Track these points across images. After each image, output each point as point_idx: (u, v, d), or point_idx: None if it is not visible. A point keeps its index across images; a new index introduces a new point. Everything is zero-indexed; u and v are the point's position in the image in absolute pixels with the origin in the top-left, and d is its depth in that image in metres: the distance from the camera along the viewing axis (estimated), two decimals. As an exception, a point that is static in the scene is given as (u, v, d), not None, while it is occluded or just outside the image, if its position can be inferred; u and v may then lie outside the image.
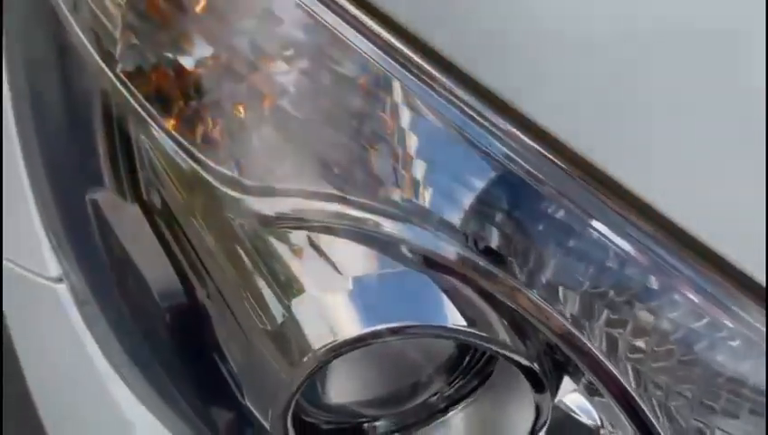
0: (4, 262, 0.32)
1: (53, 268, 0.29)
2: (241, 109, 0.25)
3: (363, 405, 0.27)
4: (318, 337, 0.22)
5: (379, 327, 0.22)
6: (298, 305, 0.22)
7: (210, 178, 0.25)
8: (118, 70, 0.26)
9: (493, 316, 0.23)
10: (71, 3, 0.28)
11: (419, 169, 0.23)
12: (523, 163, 0.22)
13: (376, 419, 0.27)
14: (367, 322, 0.22)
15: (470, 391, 0.27)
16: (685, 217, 0.21)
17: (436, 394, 0.27)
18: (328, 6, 0.23)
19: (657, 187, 0.22)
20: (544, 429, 0.25)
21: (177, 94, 0.25)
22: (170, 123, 0.25)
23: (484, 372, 0.27)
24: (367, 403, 0.27)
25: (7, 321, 0.34)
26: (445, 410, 0.27)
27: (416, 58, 0.22)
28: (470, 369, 0.27)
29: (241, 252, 0.25)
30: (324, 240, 0.23)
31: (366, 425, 0.27)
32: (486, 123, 0.22)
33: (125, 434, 0.31)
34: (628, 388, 0.22)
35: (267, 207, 0.24)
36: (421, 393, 0.27)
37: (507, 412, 0.26)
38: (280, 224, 0.24)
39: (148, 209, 0.28)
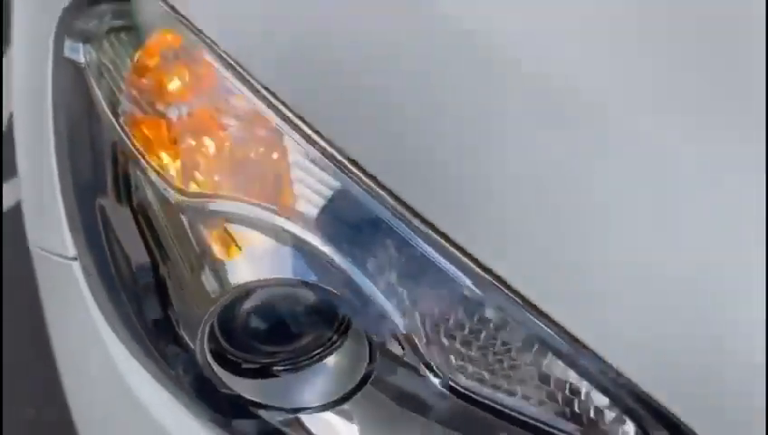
0: (35, 249, 0.47)
1: (71, 251, 0.44)
2: (198, 148, 0.40)
3: (265, 345, 0.40)
4: (217, 287, 0.36)
5: (254, 278, 0.36)
6: (209, 269, 0.37)
7: (173, 193, 0.39)
8: (121, 121, 0.41)
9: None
10: (96, 75, 0.43)
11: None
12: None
13: (276, 359, 0.40)
14: (249, 275, 0.36)
15: (339, 340, 0.40)
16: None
17: (318, 340, 0.40)
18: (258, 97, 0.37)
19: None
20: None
21: (159, 140, 0.40)
22: (153, 159, 0.40)
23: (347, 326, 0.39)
24: (268, 343, 0.40)
25: (40, 293, 0.49)
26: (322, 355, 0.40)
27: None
28: (340, 323, 0.40)
29: (186, 241, 0.39)
30: (234, 228, 0.37)
31: (272, 366, 0.40)
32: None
33: (118, 379, 0.44)
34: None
35: (207, 209, 0.38)
36: (305, 338, 0.40)
37: (353, 358, 0.39)
38: (212, 220, 0.38)
39: (135, 213, 0.43)
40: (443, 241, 0.34)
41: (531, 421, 0.36)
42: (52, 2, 0.47)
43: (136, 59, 0.40)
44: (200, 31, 0.38)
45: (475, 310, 0.35)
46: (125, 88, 0.40)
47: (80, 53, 0.44)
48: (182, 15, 0.39)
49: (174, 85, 0.39)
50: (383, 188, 0.35)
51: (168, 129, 0.39)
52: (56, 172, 0.44)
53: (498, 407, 0.36)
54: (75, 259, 0.44)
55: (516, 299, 0.34)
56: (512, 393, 0.36)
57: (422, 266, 0.35)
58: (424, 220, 0.34)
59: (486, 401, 0.36)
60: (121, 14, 0.43)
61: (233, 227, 0.37)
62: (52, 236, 0.45)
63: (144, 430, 0.43)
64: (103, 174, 0.44)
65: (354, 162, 0.35)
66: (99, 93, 0.42)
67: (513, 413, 0.36)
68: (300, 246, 0.36)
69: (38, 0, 0.52)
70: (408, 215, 0.34)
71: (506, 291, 0.34)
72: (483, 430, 0.37)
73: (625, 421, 0.35)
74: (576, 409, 0.35)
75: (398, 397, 0.38)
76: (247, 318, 0.38)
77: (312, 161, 0.36)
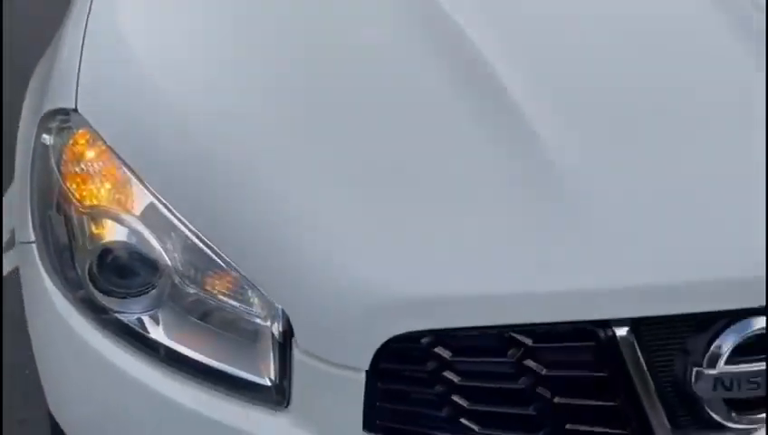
0: (18, 244, 0.89)
1: (32, 238, 0.86)
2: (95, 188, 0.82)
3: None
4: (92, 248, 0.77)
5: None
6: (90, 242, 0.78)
7: (79, 206, 0.81)
8: (61, 171, 0.83)
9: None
10: (53, 151, 0.86)
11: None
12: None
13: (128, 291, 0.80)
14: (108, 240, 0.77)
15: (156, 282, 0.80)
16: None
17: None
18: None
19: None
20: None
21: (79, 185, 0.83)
22: (71, 190, 0.82)
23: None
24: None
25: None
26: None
27: None
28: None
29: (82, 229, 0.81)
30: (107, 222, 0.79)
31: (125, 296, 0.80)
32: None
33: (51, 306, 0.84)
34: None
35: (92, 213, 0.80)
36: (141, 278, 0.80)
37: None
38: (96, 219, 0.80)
39: (63, 219, 0.84)
40: None
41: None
42: (38, 110, 0.91)
43: (69, 144, 0.83)
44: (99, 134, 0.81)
45: None
46: (65, 159, 0.83)
47: (47, 139, 0.87)
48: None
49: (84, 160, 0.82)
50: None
51: (83, 180, 0.81)
52: (29, 194, 0.87)
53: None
54: (34, 242, 0.85)
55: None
56: None
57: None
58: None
59: None
60: (67, 120, 0.86)
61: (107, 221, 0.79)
62: (24, 232, 0.87)
63: (65, 332, 0.82)
64: (51, 198, 0.85)
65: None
66: (53, 159, 0.85)
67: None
68: (135, 230, 0.77)
69: (32, 109, 0.97)
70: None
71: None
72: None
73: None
74: None
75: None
76: (109, 265, 0.79)
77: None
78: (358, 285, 0.68)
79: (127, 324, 0.79)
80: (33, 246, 0.85)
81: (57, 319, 0.82)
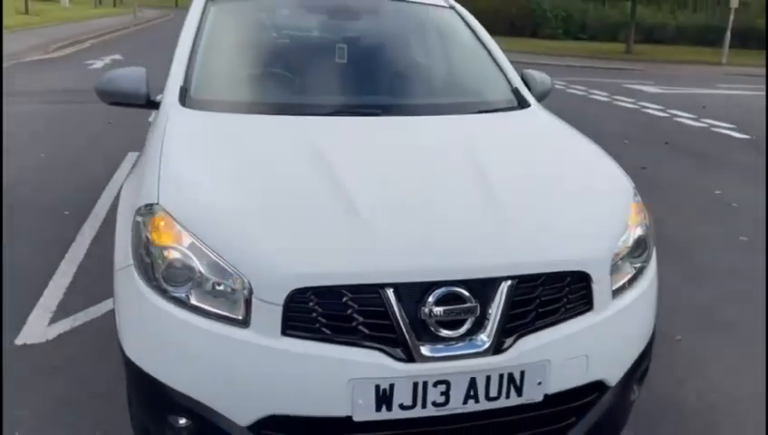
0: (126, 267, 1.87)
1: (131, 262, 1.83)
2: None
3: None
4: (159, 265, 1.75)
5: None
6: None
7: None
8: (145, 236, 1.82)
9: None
10: (143, 225, 1.86)
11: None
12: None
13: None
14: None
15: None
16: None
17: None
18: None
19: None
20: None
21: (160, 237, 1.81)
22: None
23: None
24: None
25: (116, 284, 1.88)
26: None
27: None
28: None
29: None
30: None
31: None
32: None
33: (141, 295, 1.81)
34: None
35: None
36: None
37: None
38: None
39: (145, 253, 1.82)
40: None
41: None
42: (133, 204, 1.92)
43: (152, 219, 1.83)
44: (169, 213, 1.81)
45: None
46: (150, 226, 1.82)
47: (140, 219, 1.87)
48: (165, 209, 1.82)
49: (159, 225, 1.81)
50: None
51: (158, 234, 1.80)
52: (131, 241, 1.85)
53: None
54: (132, 265, 1.82)
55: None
56: None
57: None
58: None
59: None
60: (151, 208, 1.85)
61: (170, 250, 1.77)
62: (127, 259, 1.84)
63: (146, 305, 1.76)
64: (141, 243, 1.83)
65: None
66: (143, 226, 1.84)
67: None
68: (183, 253, 1.75)
69: (128, 203, 1.98)
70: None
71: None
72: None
73: None
74: None
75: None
76: (171, 271, 1.75)
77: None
78: (278, 268, 1.66)
79: (178, 297, 1.74)
80: (132, 267, 1.82)
81: (143, 299, 1.78)
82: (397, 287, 1.66)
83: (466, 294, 1.69)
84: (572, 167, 2.33)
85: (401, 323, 1.65)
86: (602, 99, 12.85)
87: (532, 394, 1.76)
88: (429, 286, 1.68)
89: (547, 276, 1.77)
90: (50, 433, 2.40)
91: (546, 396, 1.78)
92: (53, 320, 3.20)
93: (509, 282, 1.71)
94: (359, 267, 1.67)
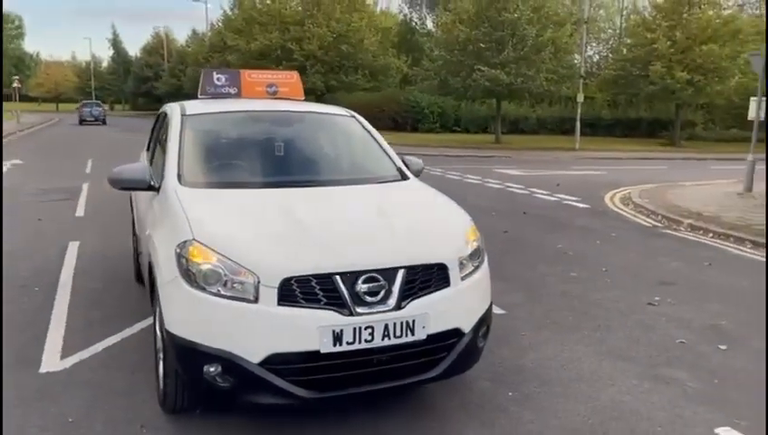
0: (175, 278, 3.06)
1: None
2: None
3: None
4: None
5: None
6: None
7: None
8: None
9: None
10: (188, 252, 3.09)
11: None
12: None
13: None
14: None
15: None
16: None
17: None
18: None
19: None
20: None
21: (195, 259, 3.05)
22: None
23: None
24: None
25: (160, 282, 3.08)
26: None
27: None
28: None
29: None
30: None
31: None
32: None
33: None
34: None
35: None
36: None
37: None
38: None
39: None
40: None
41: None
42: (171, 241, 3.15)
43: (190, 248, 3.06)
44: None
45: None
46: (188, 255, 3.05)
47: (179, 249, 3.08)
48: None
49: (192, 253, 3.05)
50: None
51: (194, 256, 3.04)
52: (176, 264, 3.06)
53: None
54: (179, 276, 3.04)
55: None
56: None
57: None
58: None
59: None
60: (189, 241, 3.09)
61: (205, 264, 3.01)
62: (174, 272, 3.05)
63: (186, 294, 2.96)
64: (183, 264, 3.04)
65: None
66: (183, 256, 3.05)
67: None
68: (214, 265, 2.99)
69: (165, 241, 3.21)
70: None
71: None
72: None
73: None
74: None
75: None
76: (205, 275, 2.98)
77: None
78: (274, 267, 2.95)
79: (213, 291, 2.96)
80: (179, 278, 3.03)
81: (190, 295, 2.97)
82: (341, 275, 2.98)
83: (380, 277, 3.03)
84: (433, 208, 3.85)
85: (345, 295, 2.97)
86: (475, 181, 14.98)
87: (420, 334, 3.10)
88: (359, 274, 3.01)
89: (423, 267, 3.17)
90: (97, 419, 3.42)
91: (428, 335, 3.12)
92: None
93: (403, 270, 3.09)
94: (320, 266, 2.99)
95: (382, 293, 3.04)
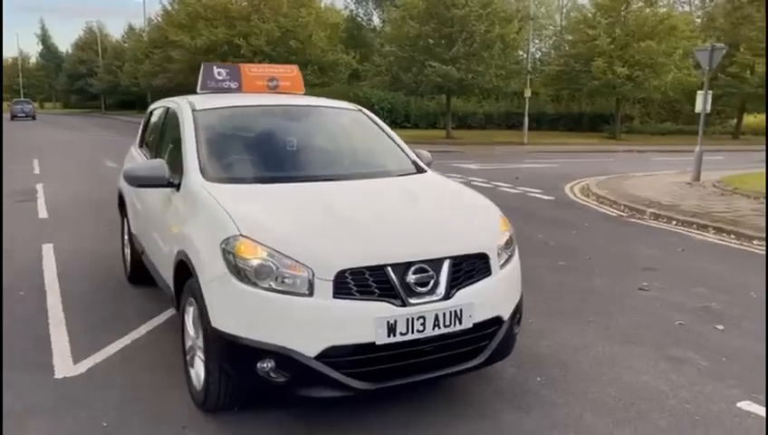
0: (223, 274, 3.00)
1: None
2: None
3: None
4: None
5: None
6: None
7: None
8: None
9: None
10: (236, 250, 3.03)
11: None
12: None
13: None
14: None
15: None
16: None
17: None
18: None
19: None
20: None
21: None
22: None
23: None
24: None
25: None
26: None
27: None
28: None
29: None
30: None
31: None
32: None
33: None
34: None
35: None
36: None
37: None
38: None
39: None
40: None
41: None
42: (214, 240, 3.08)
43: (238, 243, 3.00)
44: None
45: None
46: (236, 250, 2.99)
47: (227, 244, 3.02)
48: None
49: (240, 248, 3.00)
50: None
51: (241, 251, 2.98)
52: (222, 258, 3.00)
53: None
54: (227, 271, 2.97)
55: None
56: None
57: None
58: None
59: None
60: (236, 237, 3.03)
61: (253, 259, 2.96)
62: (220, 267, 3.00)
63: (234, 289, 2.91)
64: (231, 260, 2.98)
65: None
66: (230, 251, 3.00)
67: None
68: (263, 258, 2.94)
69: (207, 240, 3.14)
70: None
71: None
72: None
73: None
74: None
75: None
76: (255, 270, 2.94)
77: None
78: (330, 260, 2.93)
79: (265, 287, 2.91)
80: (228, 274, 2.96)
81: (243, 292, 2.92)
82: (392, 266, 2.99)
83: (428, 268, 3.06)
84: (464, 199, 3.89)
85: (397, 286, 2.98)
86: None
87: (467, 323, 3.14)
88: (409, 265, 3.02)
89: (467, 256, 3.20)
90: (133, 422, 3.31)
91: (474, 324, 3.17)
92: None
93: (449, 260, 3.12)
94: (372, 258, 2.98)
95: (431, 283, 3.06)
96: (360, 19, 46.58)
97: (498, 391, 3.68)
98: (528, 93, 29.23)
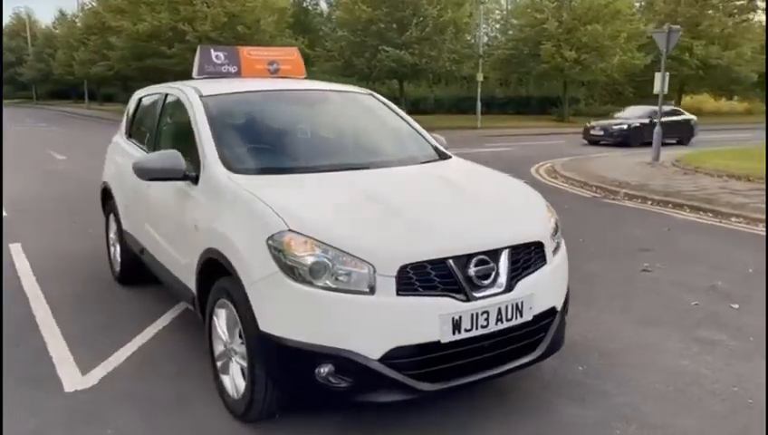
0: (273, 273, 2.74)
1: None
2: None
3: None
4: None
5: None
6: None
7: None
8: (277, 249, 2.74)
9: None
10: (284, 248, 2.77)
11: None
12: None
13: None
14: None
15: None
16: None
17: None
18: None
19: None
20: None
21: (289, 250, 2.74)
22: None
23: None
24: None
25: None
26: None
27: None
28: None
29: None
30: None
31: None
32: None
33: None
34: None
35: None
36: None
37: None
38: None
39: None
40: None
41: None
42: (257, 236, 2.81)
43: (286, 238, 2.74)
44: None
45: None
46: (288, 246, 2.74)
47: (273, 240, 2.75)
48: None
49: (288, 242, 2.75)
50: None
51: (290, 247, 2.73)
52: (270, 254, 2.74)
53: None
54: (278, 270, 2.72)
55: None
56: None
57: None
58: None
59: None
60: (283, 232, 2.76)
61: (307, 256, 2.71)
62: (271, 268, 2.73)
63: (286, 289, 2.67)
64: (280, 256, 2.72)
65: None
66: (278, 246, 2.74)
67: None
68: (318, 256, 2.70)
69: (249, 237, 2.87)
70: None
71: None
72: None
73: None
74: None
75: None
76: (310, 269, 2.69)
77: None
78: (391, 255, 2.70)
79: (322, 286, 2.66)
80: (279, 273, 2.71)
81: (299, 292, 2.65)
82: (454, 259, 2.79)
83: (488, 259, 2.88)
84: (505, 186, 3.71)
85: (460, 279, 2.79)
86: (403, 162, 14.95)
87: (527, 315, 2.98)
88: (470, 257, 2.84)
89: (524, 245, 3.04)
90: (168, 425, 3.04)
91: (534, 316, 3.02)
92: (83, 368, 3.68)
93: (507, 250, 2.94)
94: (434, 251, 2.78)
95: (492, 275, 2.89)
96: (306, 4, 45.71)
97: (546, 385, 3.55)
98: (480, 77, 29.36)
